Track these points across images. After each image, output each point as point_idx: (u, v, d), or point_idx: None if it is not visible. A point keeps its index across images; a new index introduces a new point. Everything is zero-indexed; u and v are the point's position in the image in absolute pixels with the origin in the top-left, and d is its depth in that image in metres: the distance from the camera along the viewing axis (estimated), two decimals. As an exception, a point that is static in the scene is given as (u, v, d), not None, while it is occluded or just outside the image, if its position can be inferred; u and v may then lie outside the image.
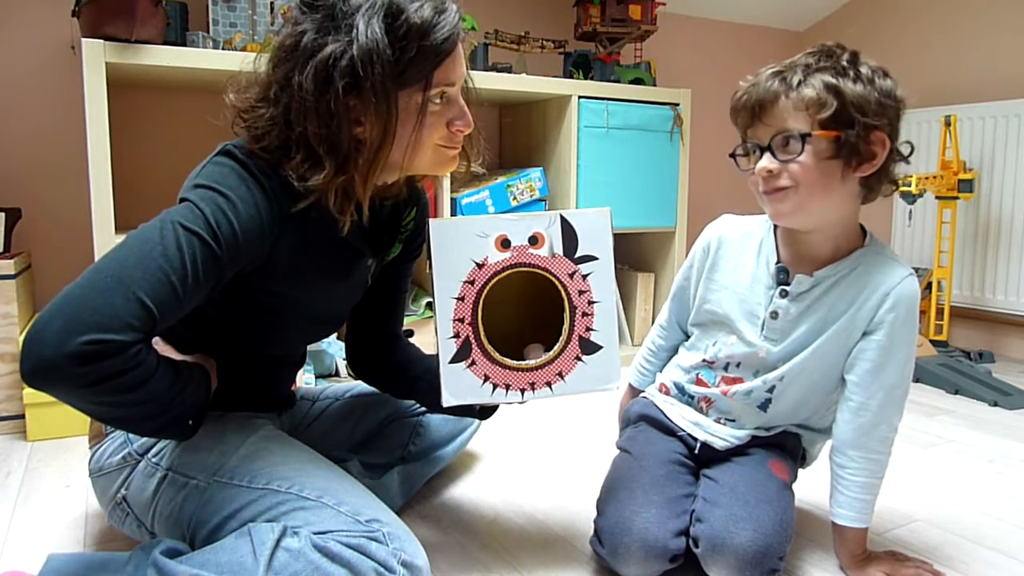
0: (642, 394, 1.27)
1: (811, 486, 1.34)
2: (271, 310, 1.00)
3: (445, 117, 0.97)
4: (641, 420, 1.22)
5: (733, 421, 1.15)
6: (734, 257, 1.14)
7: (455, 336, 0.99)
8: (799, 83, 0.98)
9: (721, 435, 1.15)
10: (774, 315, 1.08)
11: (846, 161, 0.98)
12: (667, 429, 1.18)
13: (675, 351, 1.26)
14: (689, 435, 1.16)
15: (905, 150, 1.04)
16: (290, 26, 0.92)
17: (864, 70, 1.00)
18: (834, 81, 0.97)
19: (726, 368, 1.14)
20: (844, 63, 1.00)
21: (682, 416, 1.18)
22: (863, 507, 1.06)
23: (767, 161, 1.00)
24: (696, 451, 1.16)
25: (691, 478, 1.13)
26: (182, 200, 0.88)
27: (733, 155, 1.07)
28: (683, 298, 1.23)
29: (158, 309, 0.77)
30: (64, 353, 0.71)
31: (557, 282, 1.00)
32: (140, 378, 0.78)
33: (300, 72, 0.89)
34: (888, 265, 1.05)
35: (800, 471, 1.21)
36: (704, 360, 1.16)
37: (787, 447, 1.17)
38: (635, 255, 2.56)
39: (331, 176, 0.90)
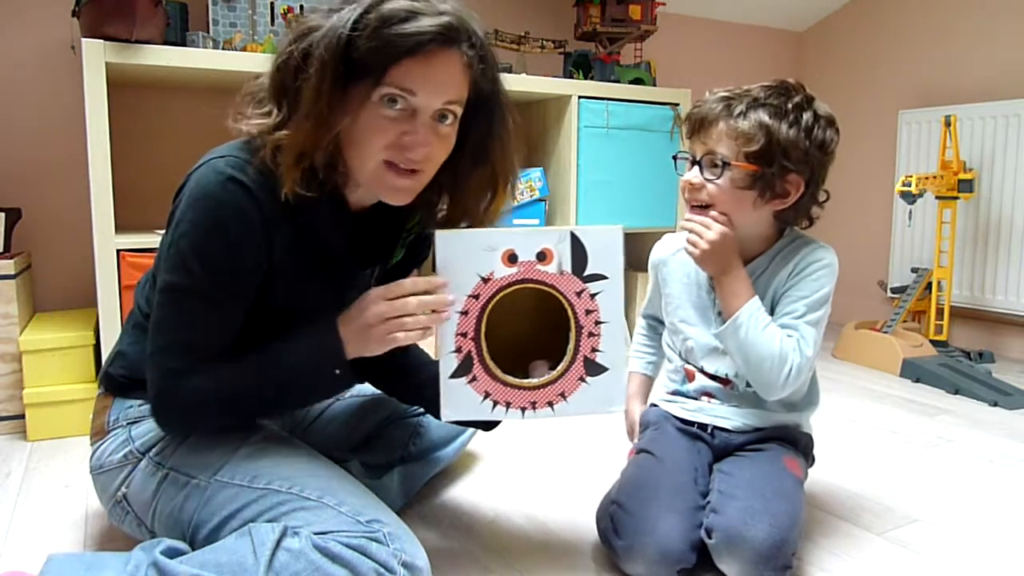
0: (650, 403, 1.32)
1: (810, 486, 1.34)
2: (272, 320, 1.00)
3: (400, 128, 0.89)
4: (659, 421, 1.25)
5: (737, 407, 1.19)
6: (680, 270, 1.25)
7: (457, 351, 0.98)
8: (739, 113, 1.08)
9: (727, 415, 1.19)
10: (720, 314, 1.17)
11: (760, 193, 1.09)
12: (682, 426, 1.22)
13: (661, 334, 1.36)
14: (699, 424, 1.20)
15: (821, 196, 1.14)
16: None
17: (806, 117, 1.08)
18: (769, 121, 1.06)
19: (701, 359, 1.22)
20: (790, 106, 1.08)
21: (685, 408, 1.23)
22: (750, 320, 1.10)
23: (692, 174, 1.12)
24: (712, 440, 1.19)
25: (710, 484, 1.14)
26: (179, 249, 0.91)
27: (675, 157, 1.19)
28: (654, 303, 1.36)
29: (189, 363, 0.93)
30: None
31: (564, 300, 0.98)
32: (202, 403, 0.94)
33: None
34: (800, 247, 1.15)
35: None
36: (682, 357, 1.26)
37: (800, 446, 1.21)
38: (635, 255, 2.56)
39: (272, 127, 0.90)
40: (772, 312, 1.15)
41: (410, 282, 0.96)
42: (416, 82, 0.88)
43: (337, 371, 0.97)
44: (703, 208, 1.11)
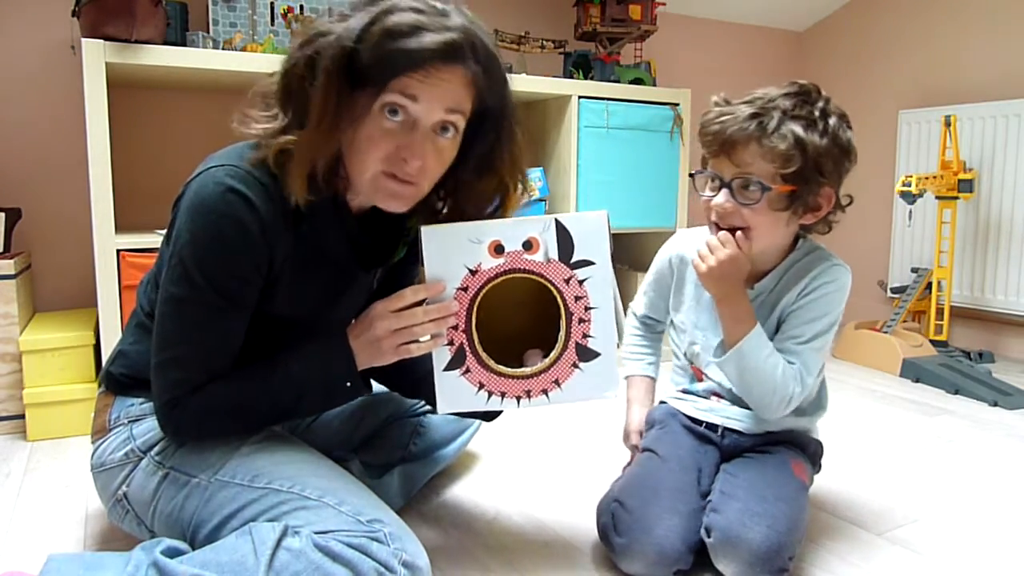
0: (659, 400, 1.31)
1: (811, 487, 1.34)
2: (273, 325, 1.00)
3: (397, 139, 0.89)
4: (666, 419, 1.24)
5: (747, 408, 1.18)
6: (694, 272, 1.19)
7: (449, 343, 0.98)
8: (773, 131, 1.02)
9: (736, 416, 1.18)
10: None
11: (795, 211, 1.07)
12: (689, 425, 1.22)
13: (658, 337, 1.34)
14: (708, 424, 1.20)
15: (844, 201, 1.12)
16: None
17: (832, 122, 1.05)
18: (804, 135, 1.02)
19: (706, 366, 1.21)
20: (817, 113, 1.04)
21: (695, 408, 1.23)
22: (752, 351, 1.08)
23: (724, 198, 1.06)
24: (721, 441, 1.19)
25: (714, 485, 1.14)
26: (181, 260, 0.90)
27: (693, 175, 1.12)
28: (656, 300, 1.32)
29: (195, 373, 0.94)
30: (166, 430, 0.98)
31: (553, 288, 0.98)
32: (211, 413, 0.95)
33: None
34: (815, 263, 1.14)
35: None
36: (688, 359, 1.24)
37: (809, 451, 1.21)
38: (635, 255, 2.56)
39: (276, 131, 0.90)
40: (777, 328, 1.14)
41: (411, 291, 0.97)
42: (415, 90, 0.87)
43: (348, 383, 0.98)
44: (733, 230, 1.07)
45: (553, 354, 1.00)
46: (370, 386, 1.09)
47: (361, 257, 1.04)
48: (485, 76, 0.92)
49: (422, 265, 0.98)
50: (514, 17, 2.50)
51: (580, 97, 2.20)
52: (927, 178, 2.35)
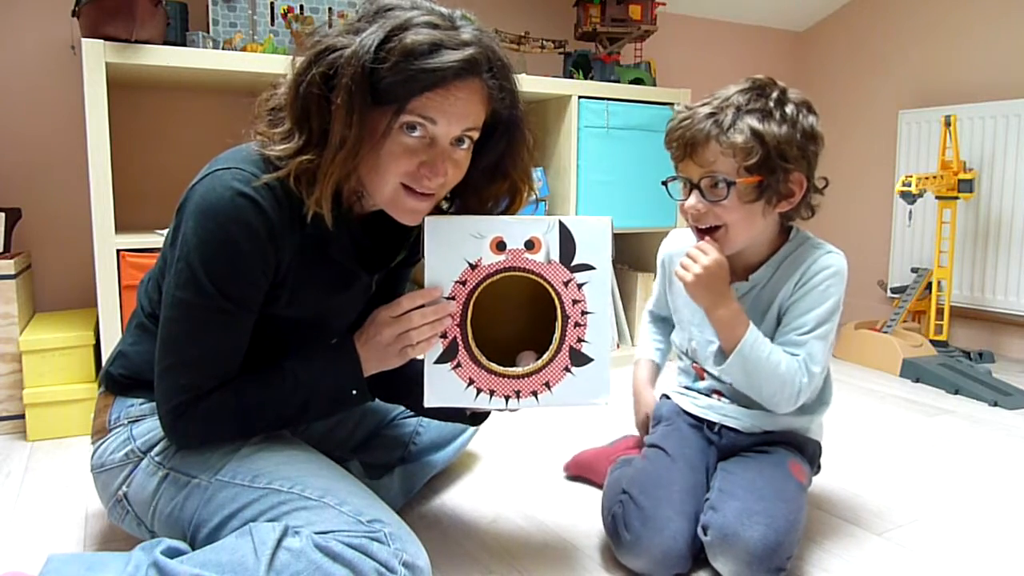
0: (663, 395, 1.32)
1: (811, 486, 1.34)
2: (276, 327, 1.00)
3: (419, 157, 0.90)
4: (672, 417, 1.25)
5: (747, 406, 1.18)
6: None
7: (442, 336, 0.98)
8: (729, 127, 1.05)
9: (736, 415, 1.18)
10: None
11: (767, 200, 1.08)
12: (694, 424, 1.23)
13: (670, 331, 1.36)
14: (707, 422, 1.21)
15: (820, 184, 1.13)
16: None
17: (789, 110, 1.07)
18: (760, 126, 1.04)
19: (704, 361, 1.22)
20: (771, 104, 1.07)
21: (695, 404, 1.23)
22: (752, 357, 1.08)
23: (695, 200, 1.09)
24: (719, 439, 1.19)
25: None
26: (188, 264, 0.90)
27: (665, 183, 1.16)
28: (662, 297, 1.37)
29: (202, 378, 0.94)
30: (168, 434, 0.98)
31: (551, 289, 0.98)
32: (216, 420, 0.95)
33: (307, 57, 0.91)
34: (807, 252, 1.15)
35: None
36: (688, 356, 1.26)
37: (807, 452, 1.20)
38: (635, 255, 2.57)
39: (295, 151, 0.89)
40: (778, 323, 1.14)
41: (407, 299, 0.98)
42: (436, 113, 0.89)
43: (355, 391, 0.99)
44: (713, 230, 1.10)
45: (546, 356, 0.99)
46: (374, 394, 1.10)
47: (364, 259, 1.04)
48: (500, 89, 0.93)
49: (422, 256, 0.98)
50: (514, 17, 2.50)
51: (580, 97, 2.20)
52: (927, 178, 2.35)
